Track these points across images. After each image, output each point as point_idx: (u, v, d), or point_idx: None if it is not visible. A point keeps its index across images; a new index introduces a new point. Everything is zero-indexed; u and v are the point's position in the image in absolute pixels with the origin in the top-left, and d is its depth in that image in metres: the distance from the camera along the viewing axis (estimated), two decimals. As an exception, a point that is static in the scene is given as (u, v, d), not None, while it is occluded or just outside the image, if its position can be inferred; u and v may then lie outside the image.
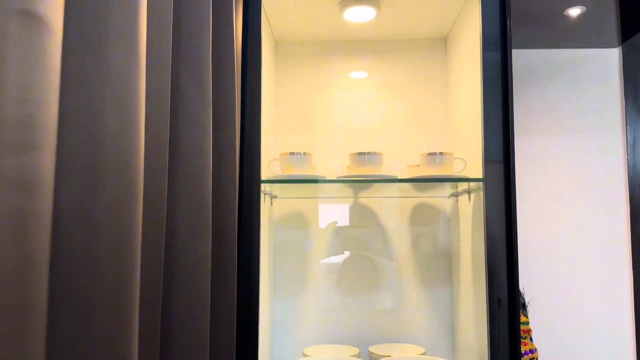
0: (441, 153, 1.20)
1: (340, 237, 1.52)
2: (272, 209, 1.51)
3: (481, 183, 1.11)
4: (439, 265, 1.50)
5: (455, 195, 1.44)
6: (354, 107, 1.54)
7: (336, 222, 1.52)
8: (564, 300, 1.49)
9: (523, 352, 1.31)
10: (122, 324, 0.53)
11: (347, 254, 1.52)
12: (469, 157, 1.25)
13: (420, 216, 1.52)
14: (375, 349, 1.38)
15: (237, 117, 0.99)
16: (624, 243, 1.51)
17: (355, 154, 1.22)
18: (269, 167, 1.29)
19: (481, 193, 1.16)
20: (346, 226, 1.53)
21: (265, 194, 1.34)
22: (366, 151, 1.21)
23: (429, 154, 1.21)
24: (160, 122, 0.68)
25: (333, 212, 1.54)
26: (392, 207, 1.53)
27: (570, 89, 1.58)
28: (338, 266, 1.51)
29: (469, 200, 1.30)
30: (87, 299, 0.51)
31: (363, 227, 1.52)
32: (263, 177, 1.13)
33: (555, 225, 1.52)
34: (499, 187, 1.08)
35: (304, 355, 1.36)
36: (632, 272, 1.50)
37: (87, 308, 0.51)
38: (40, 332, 0.43)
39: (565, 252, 1.51)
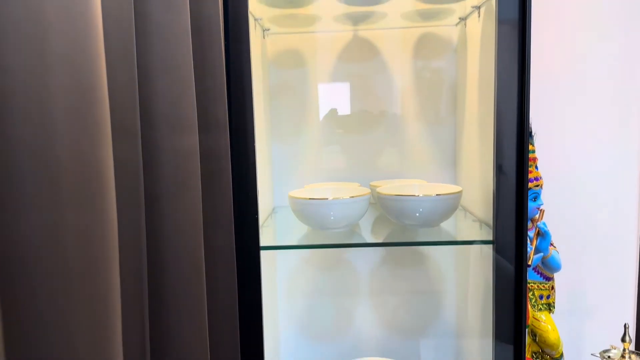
0: (450, -43, 1.07)
1: (340, 73, 1.44)
2: (265, 45, 1.41)
3: (494, -16, 0.99)
4: (443, 100, 1.43)
5: (464, 19, 1.32)
6: None
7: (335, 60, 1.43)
8: (570, 133, 1.43)
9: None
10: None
11: (347, 91, 1.44)
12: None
13: (424, 48, 1.42)
14: (377, 184, 1.36)
15: None
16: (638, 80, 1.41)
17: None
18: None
19: (492, 3, 1.05)
20: (345, 62, 1.43)
21: (256, 20, 1.23)
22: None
23: (436, -42, 1.08)
24: None
25: (331, 47, 1.43)
26: (394, 40, 1.42)
27: None
28: (338, 105, 1.44)
29: (479, 18, 1.19)
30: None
31: (363, 63, 1.43)
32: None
33: (570, 57, 1.42)
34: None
35: (305, 190, 1.34)
36: (646, 102, 1.42)
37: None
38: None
39: (578, 85, 1.42)
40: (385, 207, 1.15)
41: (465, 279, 1.37)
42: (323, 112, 1.45)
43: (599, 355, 1.19)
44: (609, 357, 1.17)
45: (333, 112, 1.45)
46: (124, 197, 0.58)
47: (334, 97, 1.44)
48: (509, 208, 1.04)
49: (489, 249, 1.09)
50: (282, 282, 1.49)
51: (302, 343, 1.49)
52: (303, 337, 1.49)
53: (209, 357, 0.77)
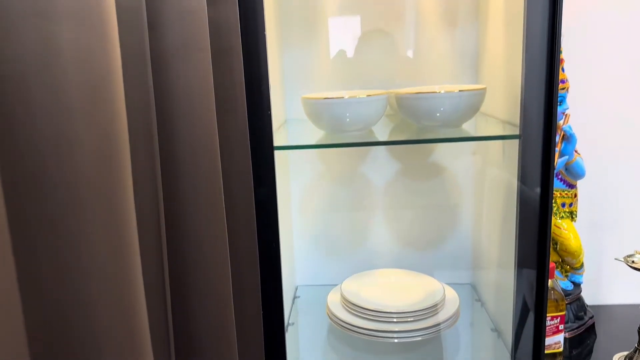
0: None
1: (353, -26, 1.34)
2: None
3: None
4: (464, 1, 1.34)
5: None
6: None
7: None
8: (598, 35, 1.35)
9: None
10: None
11: (361, -7, 1.35)
12: None
13: (445, -57, 1.31)
14: (393, 91, 1.29)
15: None
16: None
17: None
18: None
19: None
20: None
21: None
22: None
23: None
24: None
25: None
26: None
27: None
28: (350, 9, 1.35)
29: None
30: None
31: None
32: None
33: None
34: None
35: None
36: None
37: None
38: None
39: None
40: (404, 107, 1.10)
41: (482, 191, 1.33)
42: (337, 15, 1.36)
43: (622, 260, 1.16)
44: (633, 261, 1.14)
45: (348, 15, 1.36)
46: (127, 52, 0.53)
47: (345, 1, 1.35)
48: (538, 102, 0.97)
49: (512, 150, 1.04)
50: (295, 197, 1.46)
51: (316, 257, 1.48)
52: (317, 251, 1.48)
53: (228, 252, 0.74)
